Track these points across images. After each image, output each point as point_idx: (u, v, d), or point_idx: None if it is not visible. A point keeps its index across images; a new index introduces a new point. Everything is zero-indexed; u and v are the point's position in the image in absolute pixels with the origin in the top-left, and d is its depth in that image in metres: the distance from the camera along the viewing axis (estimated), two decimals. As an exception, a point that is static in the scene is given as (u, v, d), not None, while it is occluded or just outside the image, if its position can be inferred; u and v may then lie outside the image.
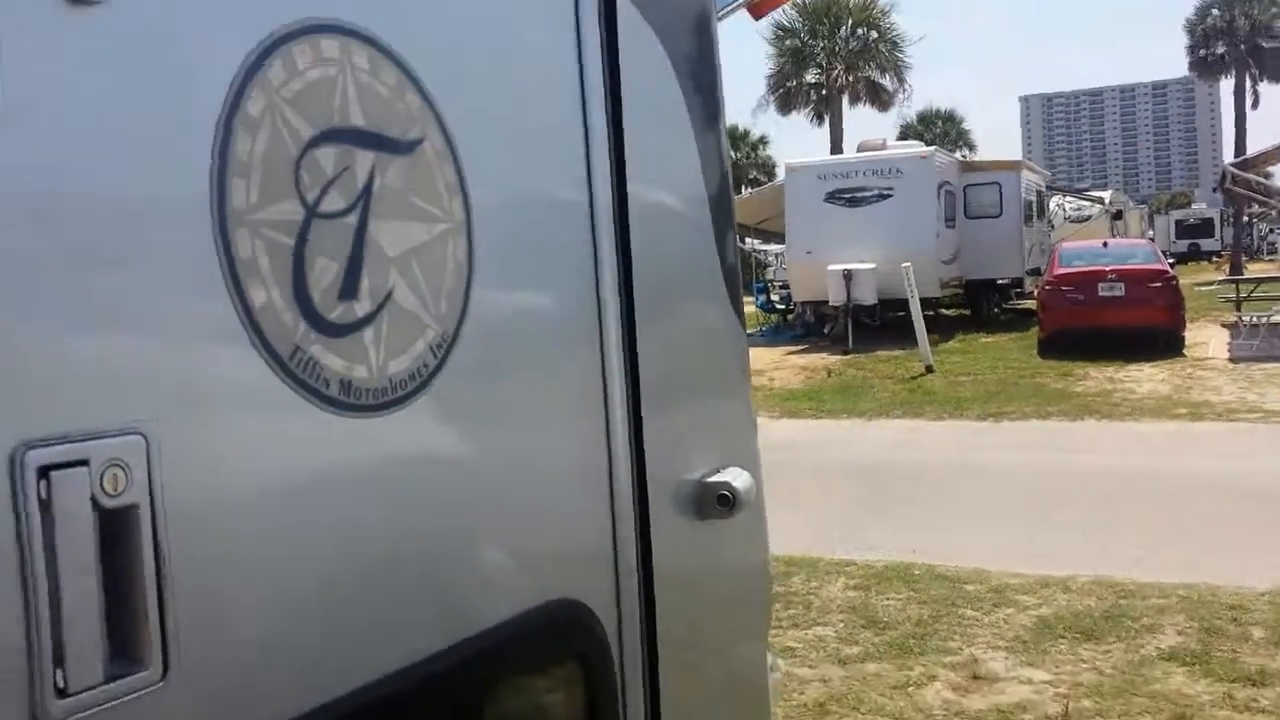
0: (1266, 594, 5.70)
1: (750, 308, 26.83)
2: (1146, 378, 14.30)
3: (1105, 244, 19.28)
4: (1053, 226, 30.42)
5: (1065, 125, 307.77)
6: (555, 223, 1.43)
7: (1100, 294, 16.44)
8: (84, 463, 0.85)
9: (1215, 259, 48.92)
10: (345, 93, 1.10)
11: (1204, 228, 55.86)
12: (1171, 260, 26.23)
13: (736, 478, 1.72)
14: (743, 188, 53.37)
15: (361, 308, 1.11)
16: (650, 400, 1.54)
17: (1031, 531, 7.48)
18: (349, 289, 1.09)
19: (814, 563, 6.82)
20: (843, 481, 9.51)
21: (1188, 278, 30.06)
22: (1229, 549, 6.73)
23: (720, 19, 2.55)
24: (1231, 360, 15.39)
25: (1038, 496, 8.54)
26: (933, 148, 23.65)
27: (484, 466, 1.31)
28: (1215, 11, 43.80)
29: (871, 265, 19.27)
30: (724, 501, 1.68)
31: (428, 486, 1.21)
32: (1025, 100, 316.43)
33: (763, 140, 60.65)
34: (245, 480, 1.00)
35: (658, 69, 1.64)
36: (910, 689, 4.81)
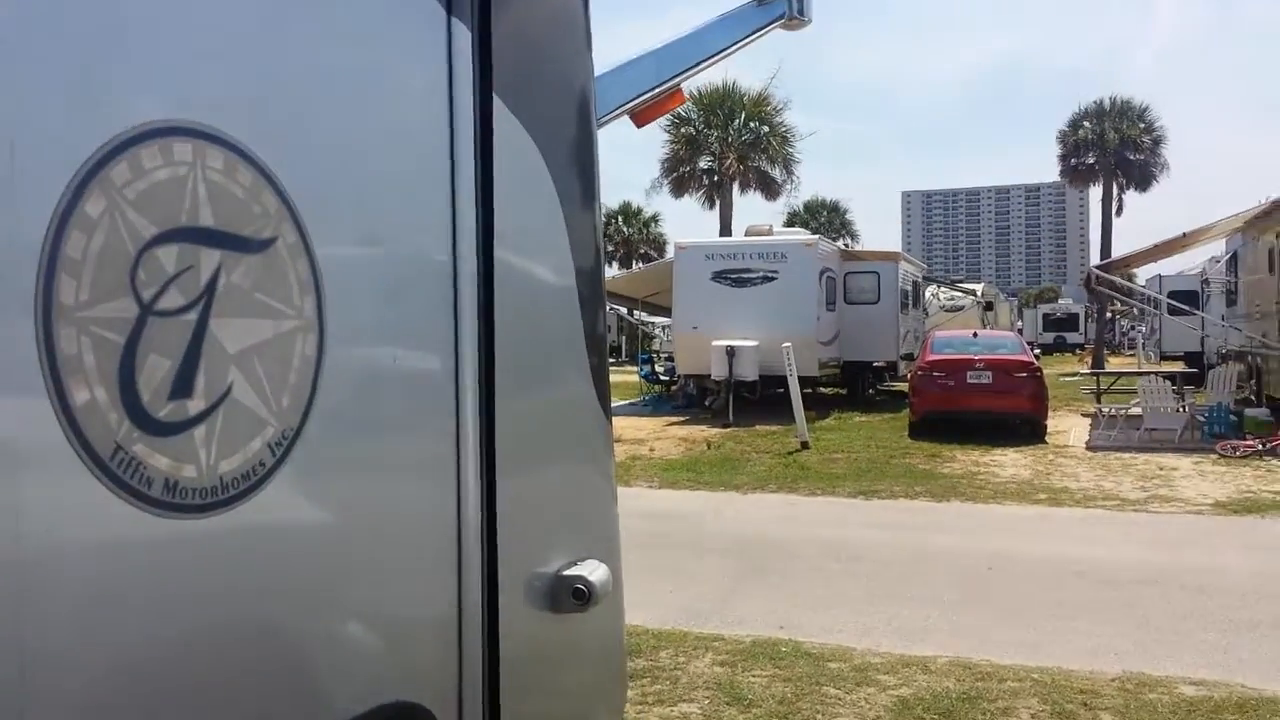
0: (1116, 679, 5.85)
1: (634, 377, 26.99)
2: (1010, 462, 14.74)
3: (975, 334, 19.99)
4: (928, 314, 31.50)
5: (943, 220, 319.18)
6: (415, 307, 1.41)
7: (969, 381, 17.01)
8: None
9: (1079, 351, 51.11)
10: (195, 193, 1.08)
11: (1069, 322, 58.47)
12: (1038, 351, 27.30)
13: (593, 571, 1.68)
14: (634, 262, 54.00)
15: (194, 406, 1.08)
16: (506, 489, 1.50)
17: (895, 609, 7.58)
18: (181, 387, 1.06)
19: (682, 637, 6.78)
20: (716, 554, 9.53)
21: (1053, 368, 31.33)
22: (1083, 633, 6.91)
23: (602, 124, 2.61)
24: (1090, 449, 15.99)
25: (902, 575, 8.67)
26: (817, 236, 24.42)
27: (321, 562, 1.26)
28: (1086, 124, 46.15)
29: (754, 343, 19.70)
30: (579, 596, 1.64)
31: (257, 587, 1.16)
32: (906, 195, 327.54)
33: (655, 218, 61.65)
34: (54, 585, 0.95)
35: (530, 164, 1.65)
36: (770, 767, 4.79)
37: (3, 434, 0.92)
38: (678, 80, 3.67)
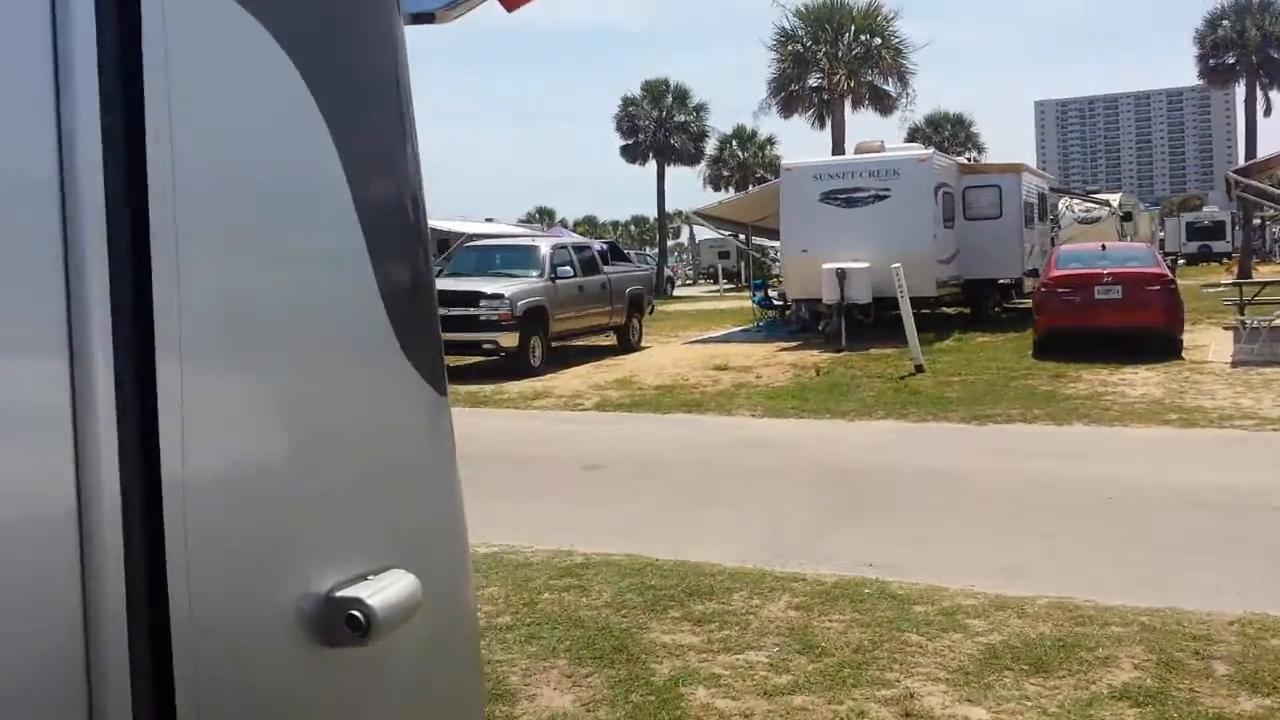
0: (1235, 622, 5.20)
1: (748, 303, 26.50)
2: (1140, 381, 13.78)
3: (1104, 247, 18.79)
4: (1060, 227, 30.17)
5: (1080, 130, 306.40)
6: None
7: (1096, 296, 15.99)
8: None
9: (1226, 261, 48.36)
10: None
11: (1215, 230, 55.49)
12: (1182, 261, 25.70)
13: (381, 590, 1.24)
14: (749, 185, 53.05)
15: None
16: (195, 488, 1.05)
17: (999, 544, 7.02)
18: None
19: (760, 577, 6.35)
20: (811, 486, 9.05)
21: (1197, 279, 29.60)
22: (1204, 568, 6.25)
23: (456, 10, 2.09)
24: (1231, 364, 14.87)
25: (1011, 506, 8.07)
26: (930, 150, 23.43)
27: None
28: (1225, 23, 43.29)
29: (866, 264, 18.97)
30: (355, 625, 1.21)
31: None
32: (1040, 105, 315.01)
33: (770, 140, 60.31)
34: None
35: (244, 44, 1.15)
36: (836, 724, 4.36)
37: None
38: None
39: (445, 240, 33.42)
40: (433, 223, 36.93)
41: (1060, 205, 32.45)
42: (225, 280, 1.12)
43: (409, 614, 1.26)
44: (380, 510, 1.38)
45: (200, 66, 1.08)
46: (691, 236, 75.99)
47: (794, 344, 20.18)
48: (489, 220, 42.40)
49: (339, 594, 1.22)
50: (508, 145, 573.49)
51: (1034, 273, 22.43)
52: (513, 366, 17.02)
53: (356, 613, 1.20)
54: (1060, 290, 16.43)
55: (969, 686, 4.64)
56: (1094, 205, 36.81)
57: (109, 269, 0.97)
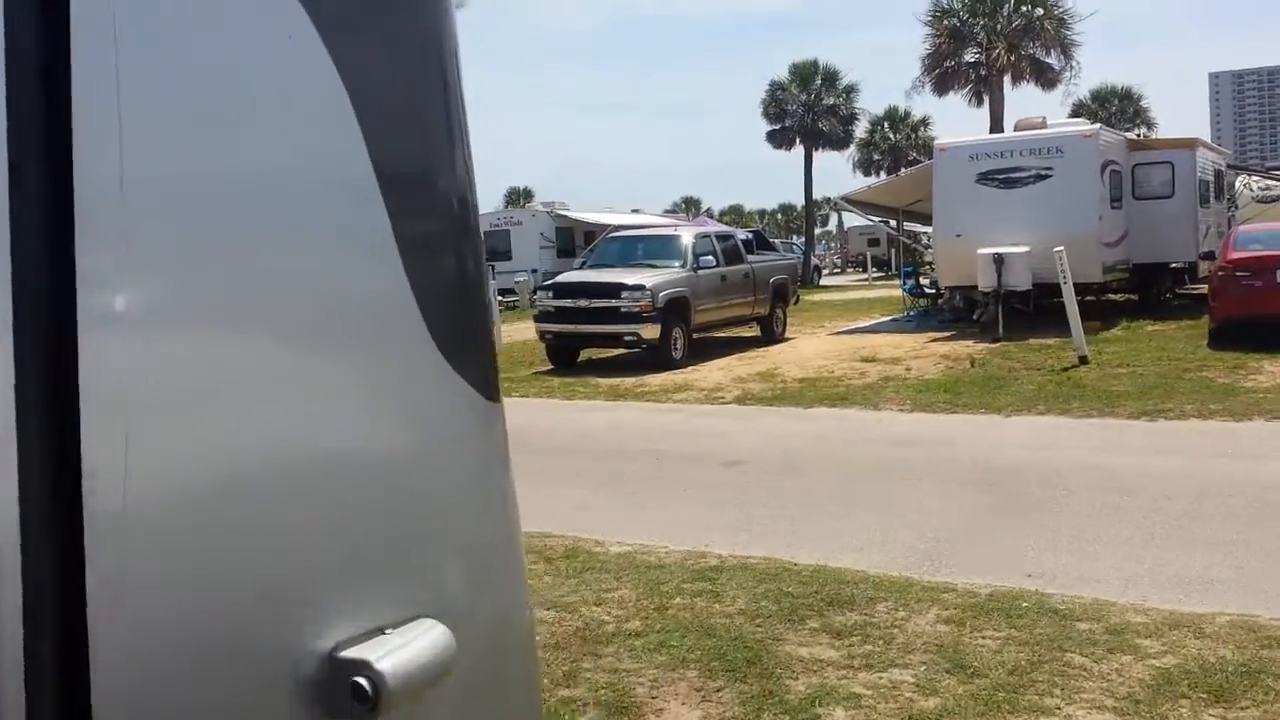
0: None
1: (897, 291, 25.72)
2: (1331, 374, 12.70)
3: (1288, 226, 17.45)
4: (1237, 207, 28.33)
5: (1258, 103, 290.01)
6: None
7: (1280, 280, 14.83)
8: None
9: None
10: None
11: None
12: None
13: (398, 649, 0.99)
14: (901, 169, 51.74)
15: None
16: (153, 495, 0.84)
17: (1173, 554, 6.44)
18: None
19: (907, 586, 5.96)
20: (963, 486, 8.55)
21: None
22: None
23: None
24: None
25: (1186, 511, 7.43)
26: (1097, 125, 22.13)
27: None
28: None
29: (1025, 248, 18.11)
30: (361, 697, 0.96)
31: None
32: (1214, 77, 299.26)
33: (924, 121, 58.67)
34: None
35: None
36: (988, 756, 3.98)
37: None
38: None
39: (592, 232, 33.60)
40: (580, 215, 37.40)
41: (1237, 183, 30.51)
42: (194, 276, 0.92)
43: (437, 677, 1.01)
44: (405, 543, 1.12)
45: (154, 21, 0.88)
46: (840, 223, 74.71)
47: (947, 334, 19.42)
48: (635, 211, 42.49)
49: (343, 654, 0.98)
50: (656, 136, 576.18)
51: (1209, 255, 21.07)
52: (654, 358, 16.83)
53: (361, 680, 0.95)
54: (1239, 274, 15.30)
55: (1139, 716, 4.19)
56: (1275, 183, 34.51)
57: (11, 256, 0.78)
